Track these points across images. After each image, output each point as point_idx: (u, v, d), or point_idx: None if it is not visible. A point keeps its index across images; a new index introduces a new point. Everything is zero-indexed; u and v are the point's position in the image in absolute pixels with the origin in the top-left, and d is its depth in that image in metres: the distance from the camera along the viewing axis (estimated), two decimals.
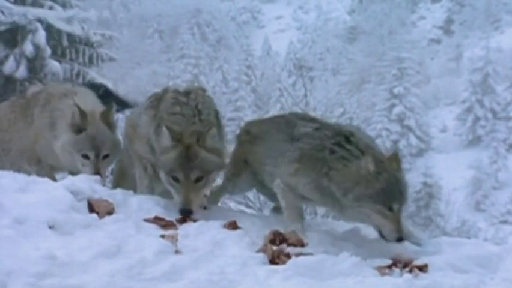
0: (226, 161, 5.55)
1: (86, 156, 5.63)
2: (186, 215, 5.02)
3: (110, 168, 6.68)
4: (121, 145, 5.98)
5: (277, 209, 5.82)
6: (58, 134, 5.74)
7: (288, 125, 5.28)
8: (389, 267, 4.50)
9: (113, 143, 5.77)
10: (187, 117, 5.26)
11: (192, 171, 5.07)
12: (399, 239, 4.71)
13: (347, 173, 4.81)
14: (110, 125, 5.81)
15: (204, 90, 5.63)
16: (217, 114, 5.52)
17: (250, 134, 5.58)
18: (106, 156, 5.70)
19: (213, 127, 5.20)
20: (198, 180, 5.10)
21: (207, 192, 5.51)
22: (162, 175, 5.20)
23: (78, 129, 5.62)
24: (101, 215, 4.84)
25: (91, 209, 4.93)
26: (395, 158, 4.87)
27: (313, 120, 5.35)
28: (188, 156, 5.09)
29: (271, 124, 5.50)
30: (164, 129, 5.15)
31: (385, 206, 4.70)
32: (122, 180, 6.02)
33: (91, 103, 5.91)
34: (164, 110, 5.34)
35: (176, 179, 5.10)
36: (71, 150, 5.66)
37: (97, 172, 5.57)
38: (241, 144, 5.63)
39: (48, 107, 5.87)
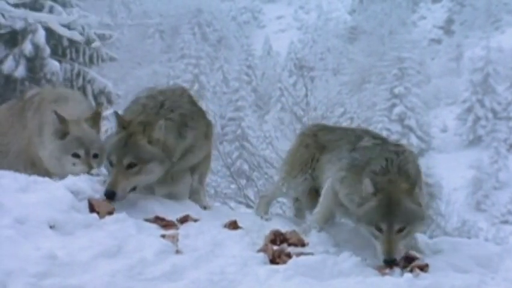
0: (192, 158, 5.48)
1: (76, 155, 5.53)
2: (109, 197, 4.97)
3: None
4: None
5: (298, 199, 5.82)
6: (45, 141, 5.67)
7: (356, 139, 5.28)
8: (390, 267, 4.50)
9: (101, 145, 5.65)
10: (146, 108, 5.26)
11: (125, 157, 5.05)
12: (387, 261, 4.49)
13: (361, 191, 4.78)
14: (97, 129, 5.73)
15: (185, 90, 5.63)
16: (194, 113, 5.47)
17: (318, 141, 5.53)
18: (95, 156, 5.58)
19: (163, 119, 5.14)
20: (130, 166, 5.05)
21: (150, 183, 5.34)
22: (104, 164, 5.23)
23: (63, 134, 5.55)
24: (101, 215, 4.83)
25: (92, 209, 4.92)
26: (412, 186, 4.72)
27: (379, 137, 5.34)
28: (126, 142, 5.08)
29: (342, 136, 5.45)
30: (114, 116, 5.22)
31: (374, 227, 4.59)
32: None
33: (80, 109, 5.83)
34: (134, 102, 5.40)
35: (111, 163, 5.10)
36: (60, 155, 5.56)
37: (89, 168, 5.47)
38: (306, 147, 5.57)
39: (39, 111, 5.83)
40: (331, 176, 5.17)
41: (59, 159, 5.58)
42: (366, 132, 5.46)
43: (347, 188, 5.01)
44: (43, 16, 17.32)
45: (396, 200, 4.61)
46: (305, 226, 5.15)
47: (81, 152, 5.54)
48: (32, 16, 16.91)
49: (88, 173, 5.43)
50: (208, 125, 5.64)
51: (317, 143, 5.52)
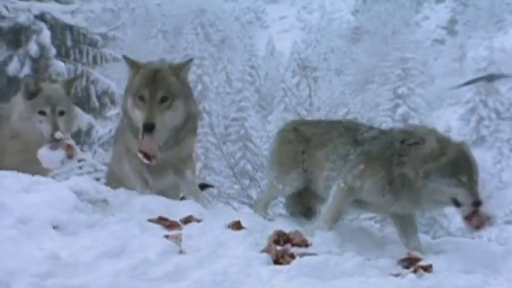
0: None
1: (42, 113, 5.69)
2: (149, 129, 5.02)
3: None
4: (76, 113, 6.05)
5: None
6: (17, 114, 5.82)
7: (348, 130, 5.32)
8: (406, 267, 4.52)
9: (68, 103, 5.83)
10: None
11: (158, 90, 5.12)
12: (476, 203, 4.70)
13: (417, 154, 4.90)
14: (67, 91, 5.89)
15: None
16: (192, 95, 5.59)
17: (300, 135, 5.55)
18: (61, 113, 5.72)
19: (192, 60, 5.41)
20: (163, 100, 5.12)
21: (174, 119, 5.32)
22: (129, 104, 5.25)
23: (33, 94, 5.73)
24: (155, 159, 5.07)
25: (147, 156, 5.10)
26: (462, 142, 5.01)
27: (372, 127, 5.43)
28: (155, 77, 5.16)
29: (329, 128, 5.47)
30: (125, 60, 5.35)
31: (455, 177, 4.77)
32: (113, 180, 5.95)
33: None
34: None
35: (142, 98, 5.13)
36: (28, 115, 5.72)
37: (55, 128, 5.59)
38: (290, 143, 5.58)
39: (7, 123, 5.90)
40: (342, 177, 5.13)
41: (29, 119, 5.73)
42: (356, 123, 5.52)
43: (372, 178, 5.03)
44: (46, 6, 17.34)
45: (468, 151, 4.95)
46: (309, 226, 5.13)
47: (47, 109, 5.70)
48: (36, 7, 16.93)
49: (53, 135, 5.54)
50: (197, 110, 5.67)
51: (300, 137, 5.53)
